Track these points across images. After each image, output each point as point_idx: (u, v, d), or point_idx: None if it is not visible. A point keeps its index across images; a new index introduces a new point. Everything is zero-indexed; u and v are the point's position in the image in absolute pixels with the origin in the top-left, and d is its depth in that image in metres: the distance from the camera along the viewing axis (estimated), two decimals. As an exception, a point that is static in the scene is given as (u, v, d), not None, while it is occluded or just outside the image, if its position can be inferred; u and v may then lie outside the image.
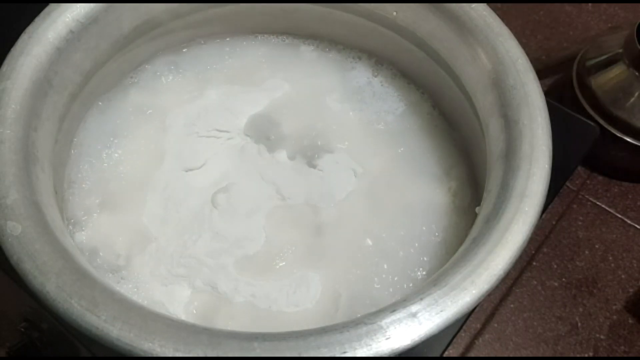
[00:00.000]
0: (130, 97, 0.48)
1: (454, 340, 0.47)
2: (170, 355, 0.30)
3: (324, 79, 0.51)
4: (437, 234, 0.44)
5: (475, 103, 0.44)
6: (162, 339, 0.30)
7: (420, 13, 0.46)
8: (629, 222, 0.56)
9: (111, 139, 0.46)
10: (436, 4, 0.45)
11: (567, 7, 0.66)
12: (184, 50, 0.51)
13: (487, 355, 0.49)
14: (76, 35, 0.41)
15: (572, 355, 0.50)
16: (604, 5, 0.66)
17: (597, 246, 0.55)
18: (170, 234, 0.43)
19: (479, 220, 0.37)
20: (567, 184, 0.56)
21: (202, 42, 0.52)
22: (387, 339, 0.31)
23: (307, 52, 0.53)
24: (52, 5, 0.41)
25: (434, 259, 0.43)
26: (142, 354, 0.30)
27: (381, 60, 0.52)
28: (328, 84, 0.51)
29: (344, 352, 0.30)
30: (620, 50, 0.56)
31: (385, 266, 0.42)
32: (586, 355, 0.50)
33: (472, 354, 0.48)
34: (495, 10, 0.44)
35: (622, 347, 0.50)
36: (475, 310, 0.36)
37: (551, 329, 0.50)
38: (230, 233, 0.43)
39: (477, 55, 0.43)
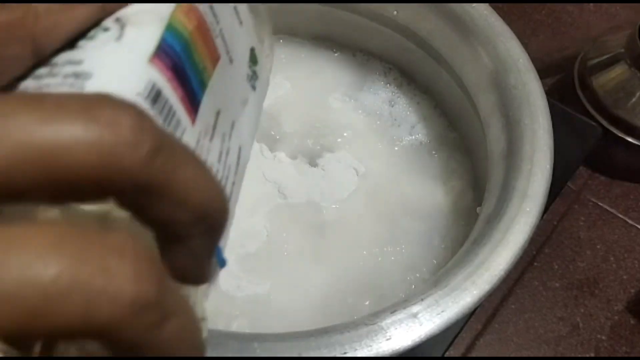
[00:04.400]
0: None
1: (455, 340, 0.47)
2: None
3: (325, 78, 0.51)
4: (438, 234, 0.44)
5: (476, 103, 0.44)
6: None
7: (421, 12, 0.46)
8: (630, 222, 0.56)
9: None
10: (437, 3, 0.45)
11: (569, 6, 0.65)
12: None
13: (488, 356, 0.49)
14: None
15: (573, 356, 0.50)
16: (606, 5, 0.66)
17: (598, 247, 0.54)
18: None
19: (480, 221, 0.37)
20: (569, 184, 0.56)
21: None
22: (387, 339, 0.31)
23: (308, 51, 0.53)
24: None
25: (435, 259, 0.43)
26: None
27: (382, 60, 0.52)
28: (329, 83, 0.51)
29: (345, 353, 0.30)
30: (622, 50, 0.55)
31: (387, 266, 0.42)
32: (587, 356, 0.50)
33: (473, 355, 0.48)
34: (496, 9, 0.44)
35: (624, 348, 0.50)
36: (476, 311, 0.36)
37: (552, 330, 0.50)
38: (232, 231, 0.43)
39: (478, 55, 0.43)
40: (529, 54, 0.42)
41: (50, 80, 0.17)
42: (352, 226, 0.44)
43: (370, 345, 0.31)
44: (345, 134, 0.48)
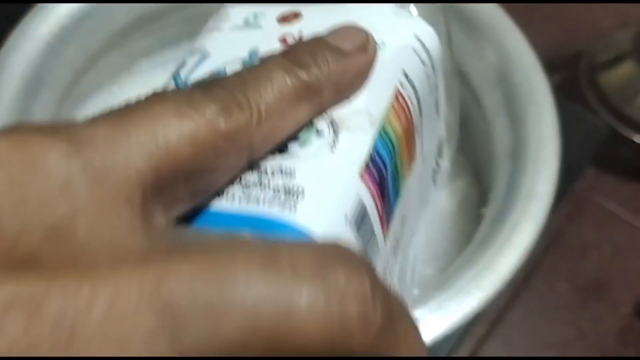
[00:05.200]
0: (125, 94, 0.47)
1: (459, 345, 0.46)
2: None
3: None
4: (442, 236, 0.43)
5: (481, 100, 0.43)
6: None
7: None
8: (638, 224, 0.55)
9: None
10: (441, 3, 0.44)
11: (576, 3, 0.65)
12: (181, 45, 0.50)
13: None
14: (68, 31, 0.41)
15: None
16: (613, 2, 0.65)
17: (605, 248, 0.54)
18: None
19: (485, 222, 0.37)
20: (576, 184, 0.55)
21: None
22: (389, 344, 0.30)
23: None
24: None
25: (439, 262, 0.42)
26: None
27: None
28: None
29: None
30: (630, 47, 0.55)
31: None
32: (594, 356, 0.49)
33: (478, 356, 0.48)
34: (501, 5, 0.43)
35: (631, 352, 0.50)
36: (481, 315, 0.35)
37: (558, 334, 0.49)
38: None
39: (483, 52, 0.42)
40: (535, 51, 0.41)
41: (259, 192, 0.16)
42: (353, 227, 0.43)
43: (371, 351, 0.30)
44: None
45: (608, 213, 0.55)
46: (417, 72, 0.20)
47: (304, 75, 0.17)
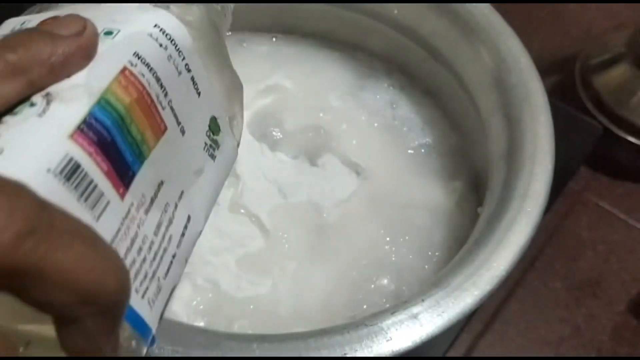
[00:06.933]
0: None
1: (456, 341, 0.46)
2: (169, 355, 0.30)
3: (326, 77, 0.51)
4: (440, 235, 0.44)
5: (477, 102, 0.44)
6: (160, 340, 0.30)
7: (422, 11, 0.46)
8: (632, 222, 0.55)
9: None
10: (438, 3, 0.45)
11: (571, 5, 0.65)
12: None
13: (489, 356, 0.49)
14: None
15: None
16: (608, 3, 0.66)
17: (600, 247, 0.54)
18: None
19: (481, 221, 0.37)
20: (570, 184, 0.56)
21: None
22: (388, 340, 0.31)
23: (308, 50, 0.53)
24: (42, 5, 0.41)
25: (436, 261, 0.43)
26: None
27: (383, 59, 0.52)
28: (330, 81, 0.51)
29: (345, 354, 0.30)
30: (624, 49, 0.55)
31: (388, 267, 0.42)
32: (589, 356, 0.49)
33: (474, 356, 0.48)
34: (497, 8, 0.44)
35: (626, 349, 0.50)
36: (477, 312, 0.36)
37: (554, 331, 0.50)
38: (232, 231, 0.43)
39: (479, 54, 0.43)
40: (530, 53, 0.42)
41: None
42: (352, 226, 0.44)
43: (371, 347, 0.31)
44: (346, 134, 0.48)
45: (602, 212, 0.56)
46: (154, 54, 0.22)
47: (10, 56, 0.19)
